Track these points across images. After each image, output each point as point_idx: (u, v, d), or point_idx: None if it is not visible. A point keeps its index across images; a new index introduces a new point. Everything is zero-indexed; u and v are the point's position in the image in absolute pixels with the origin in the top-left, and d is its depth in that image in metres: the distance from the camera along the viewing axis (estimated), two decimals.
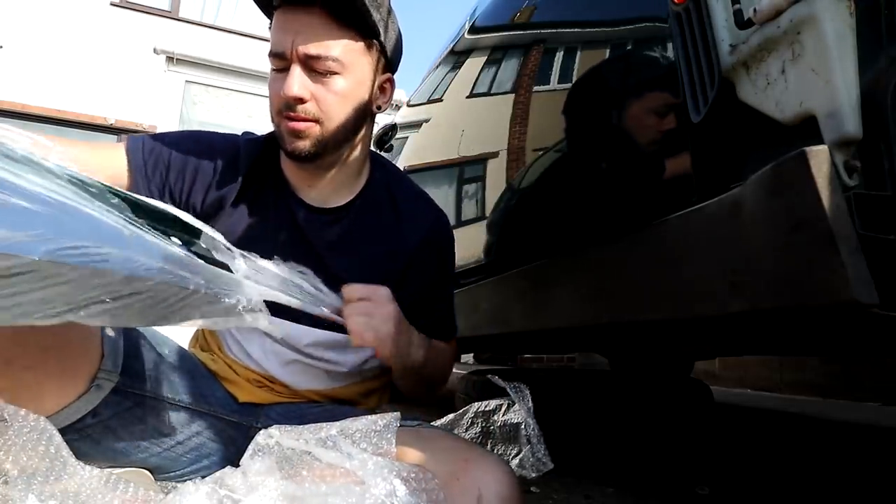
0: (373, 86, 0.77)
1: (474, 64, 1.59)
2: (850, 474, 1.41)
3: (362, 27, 0.72)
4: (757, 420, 2.32)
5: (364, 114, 0.77)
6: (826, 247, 0.50)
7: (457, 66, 1.72)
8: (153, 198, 0.76)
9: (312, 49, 0.69)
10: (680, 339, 1.29)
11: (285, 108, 0.71)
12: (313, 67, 0.70)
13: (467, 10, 1.77)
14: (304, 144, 0.72)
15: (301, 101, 0.70)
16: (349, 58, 0.71)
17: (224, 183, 0.79)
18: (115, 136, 6.20)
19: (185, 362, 0.79)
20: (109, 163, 0.76)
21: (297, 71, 0.70)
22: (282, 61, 0.71)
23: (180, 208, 0.79)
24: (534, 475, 0.78)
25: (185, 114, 5.00)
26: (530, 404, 0.92)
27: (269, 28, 0.74)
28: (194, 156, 0.79)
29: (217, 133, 0.85)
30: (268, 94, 0.74)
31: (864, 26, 0.51)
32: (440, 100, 1.78)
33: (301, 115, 0.71)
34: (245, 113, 5.23)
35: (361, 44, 0.73)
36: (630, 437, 1.73)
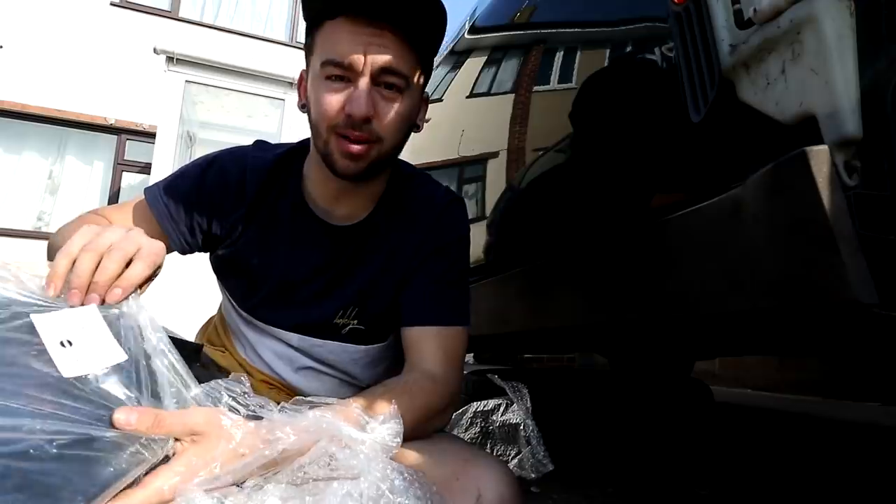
0: (420, 106, 0.76)
1: (474, 64, 1.59)
2: (850, 474, 1.41)
3: (425, 49, 0.71)
4: (757, 420, 2.32)
5: (410, 133, 0.76)
6: (826, 247, 0.50)
7: (457, 67, 1.72)
8: (185, 238, 0.78)
9: (387, 63, 0.66)
10: (680, 338, 1.29)
11: (343, 125, 0.67)
12: (382, 83, 0.67)
13: (467, 10, 1.77)
14: (358, 166, 0.69)
15: (369, 120, 0.67)
16: (412, 78, 0.70)
17: (234, 209, 0.78)
18: (115, 136, 6.20)
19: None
20: (138, 223, 0.75)
21: (367, 85, 0.66)
22: (345, 72, 0.66)
23: (209, 239, 0.79)
24: (534, 476, 0.78)
25: (185, 114, 4.98)
26: (529, 404, 0.92)
27: (308, 34, 0.71)
28: (207, 187, 0.78)
29: (226, 154, 0.82)
30: (319, 100, 0.69)
31: (864, 26, 0.51)
32: (440, 100, 1.78)
33: (363, 136, 0.67)
34: (245, 113, 5.21)
35: (420, 69, 0.72)
36: (630, 438, 1.73)
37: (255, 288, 0.80)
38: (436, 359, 0.71)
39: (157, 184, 0.80)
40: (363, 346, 0.82)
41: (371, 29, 0.66)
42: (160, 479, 0.43)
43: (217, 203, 0.78)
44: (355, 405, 0.54)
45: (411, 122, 0.74)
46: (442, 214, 0.82)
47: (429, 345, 0.73)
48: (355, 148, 0.68)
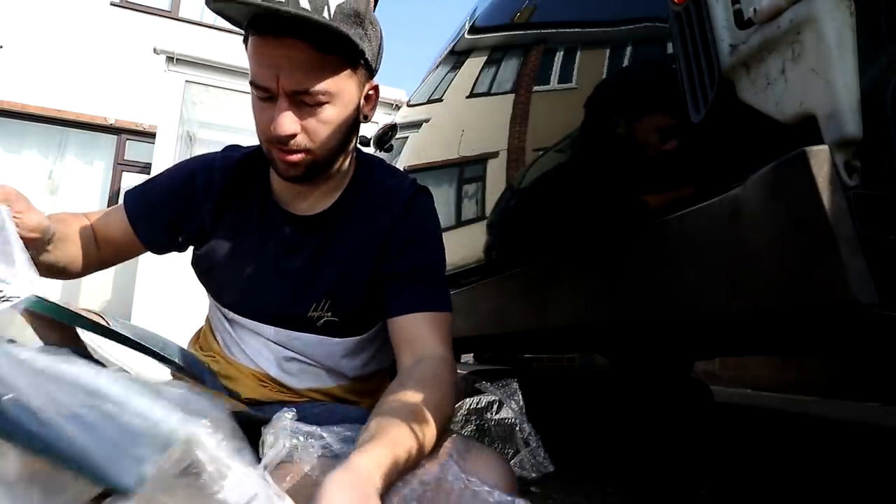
0: (360, 101, 0.75)
1: (474, 64, 1.59)
2: (850, 474, 1.41)
3: (347, 53, 0.69)
4: (757, 420, 2.32)
5: (353, 129, 0.76)
6: (826, 247, 0.50)
7: (457, 66, 1.72)
8: (156, 238, 0.83)
9: (300, 85, 0.66)
10: (680, 338, 1.29)
11: (275, 141, 0.69)
12: (301, 100, 0.68)
13: (467, 10, 1.77)
14: (297, 172, 0.72)
15: (292, 136, 0.68)
16: (337, 86, 0.69)
17: (202, 209, 0.81)
18: (115, 136, 6.20)
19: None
20: (116, 225, 0.83)
21: (285, 106, 0.67)
22: (265, 93, 0.68)
23: (183, 240, 0.84)
24: (534, 475, 0.78)
25: (185, 114, 4.98)
26: (521, 402, 0.91)
27: (246, 48, 0.70)
28: (175, 190, 0.82)
29: (195, 159, 0.87)
30: (254, 117, 0.72)
31: (864, 26, 0.51)
32: (440, 100, 1.78)
33: (293, 148, 0.69)
34: (245, 113, 5.21)
35: (347, 69, 0.70)
36: (630, 438, 1.73)
37: (231, 282, 0.82)
38: (436, 341, 0.72)
39: (135, 188, 0.86)
40: (339, 339, 0.82)
41: (279, 47, 0.64)
42: None
43: (185, 202, 0.82)
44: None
45: (350, 122, 0.74)
46: (410, 204, 0.82)
47: (424, 329, 0.73)
48: (290, 158, 0.70)
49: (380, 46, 0.77)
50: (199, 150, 5.09)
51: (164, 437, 0.39)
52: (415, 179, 0.87)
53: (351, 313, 0.82)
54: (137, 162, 6.22)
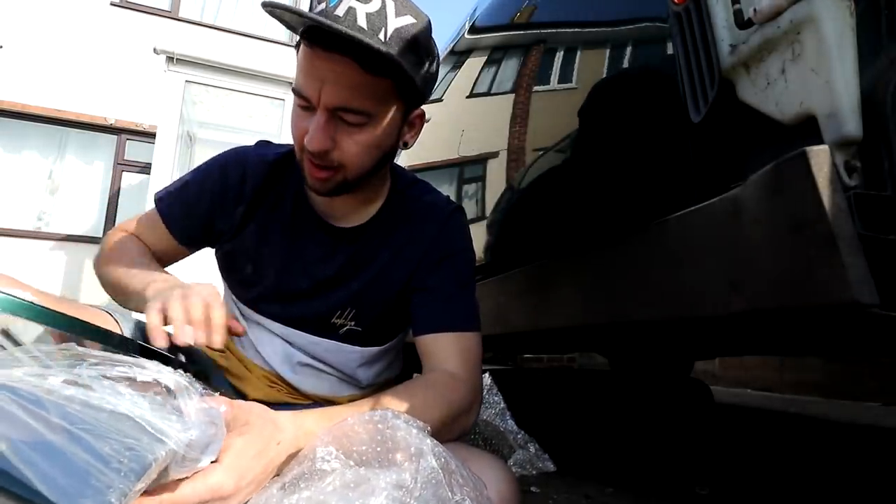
0: (401, 127, 0.74)
1: (474, 64, 1.59)
2: (850, 474, 1.41)
3: (395, 77, 0.66)
4: (757, 420, 2.32)
5: (389, 153, 0.74)
6: (826, 247, 0.50)
7: (457, 66, 1.72)
8: (192, 239, 0.82)
9: (340, 102, 0.64)
10: (680, 338, 1.29)
11: (307, 152, 0.68)
12: (340, 117, 0.66)
13: (467, 10, 1.77)
14: (324, 187, 0.70)
15: (325, 152, 0.67)
16: (378, 108, 0.67)
17: (235, 206, 0.80)
18: (115, 136, 6.20)
19: (196, 362, 0.81)
20: (152, 233, 0.82)
21: (322, 121, 0.65)
22: (307, 103, 0.66)
23: (216, 236, 0.82)
24: (534, 473, 0.78)
25: (185, 114, 4.97)
26: (502, 404, 0.91)
27: (297, 54, 0.68)
28: (209, 190, 0.80)
29: (229, 155, 0.83)
30: (291, 124, 0.71)
31: (864, 26, 0.51)
32: (440, 100, 1.78)
33: (323, 164, 0.68)
34: (245, 113, 5.20)
35: (393, 93, 0.68)
36: (630, 437, 1.73)
37: (255, 280, 0.81)
38: (455, 361, 0.72)
39: (166, 190, 0.84)
40: (359, 348, 0.82)
41: (327, 61, 0.63)
42: (214, 476, 0.44)
43: (219, 203, 0.80)
44: (382, 406, 0.55)
45: (386, 146, 0.72)
46: (447, 222, 0.82)
47: (446, 350, 0.73)
48: (319, 173, 0.69)
49: (433, 76, 0.75)
50: (199, 150, 5.08)
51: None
52: (449, 197, 0.87)
53: (373, 324, 0.82)
54: (137, 162, 6.22)
